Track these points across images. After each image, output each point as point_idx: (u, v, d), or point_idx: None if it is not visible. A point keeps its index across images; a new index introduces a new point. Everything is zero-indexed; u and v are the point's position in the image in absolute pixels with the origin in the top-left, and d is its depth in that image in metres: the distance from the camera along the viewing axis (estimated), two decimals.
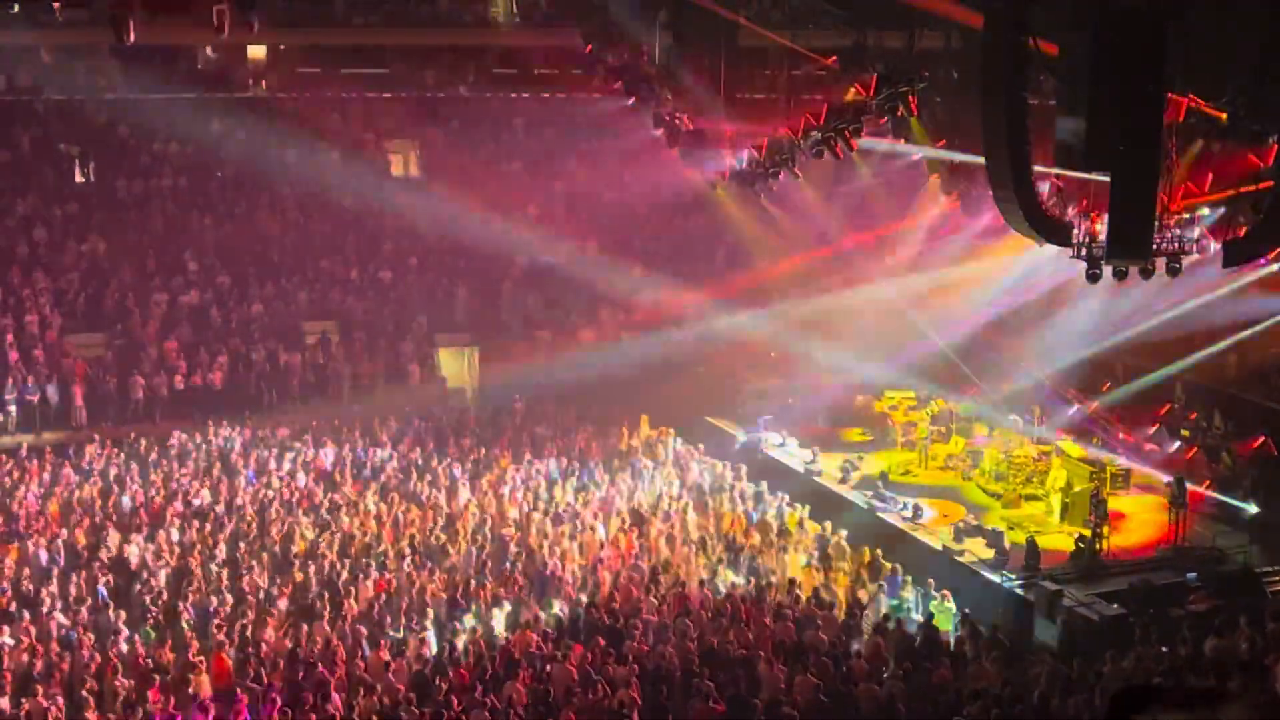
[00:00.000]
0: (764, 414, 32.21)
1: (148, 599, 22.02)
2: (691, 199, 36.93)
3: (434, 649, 20.43)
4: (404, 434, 31.74)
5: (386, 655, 19.77)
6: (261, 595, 22.25)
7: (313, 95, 41.36)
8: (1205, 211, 22.77)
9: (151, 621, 21.19)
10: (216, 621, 21.11)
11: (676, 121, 32.26)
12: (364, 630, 20.84)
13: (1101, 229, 20.27)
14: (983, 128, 20.32)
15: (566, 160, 41.63)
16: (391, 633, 20.88)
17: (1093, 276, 20.72)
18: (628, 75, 33.14)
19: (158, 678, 19.23)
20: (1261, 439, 27.44)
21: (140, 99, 39.55)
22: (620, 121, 35.39)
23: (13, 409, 32.10)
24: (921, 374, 31.79)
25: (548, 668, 19.16)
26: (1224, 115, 22.53)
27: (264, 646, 20.35)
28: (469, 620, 21.37)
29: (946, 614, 21.49)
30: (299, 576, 22.91)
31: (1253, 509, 25.41)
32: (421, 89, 42.46)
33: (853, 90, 26.42)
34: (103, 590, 22.41)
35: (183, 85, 40.68)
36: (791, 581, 22.69)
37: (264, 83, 42.41)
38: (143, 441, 30.21)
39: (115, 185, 39.88)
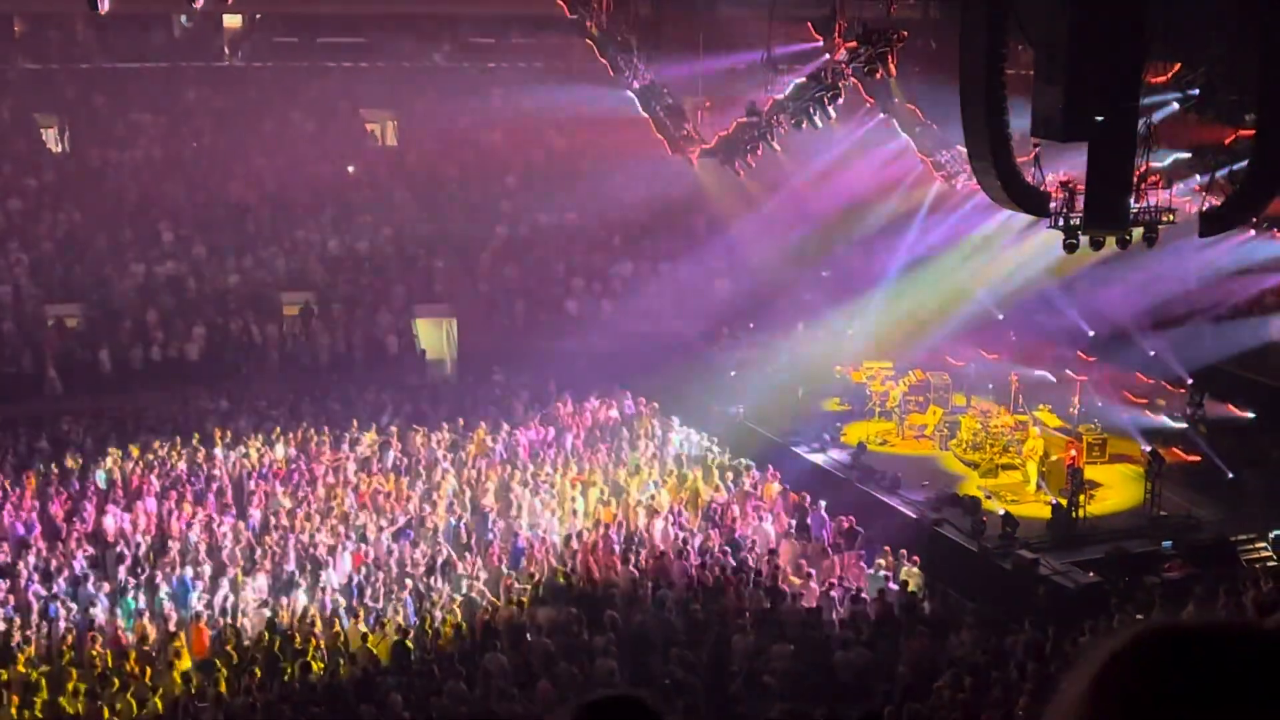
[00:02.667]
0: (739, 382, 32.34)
1: (125, 570, 21.99)
2: (673, 169, 36.83)
3: (412, 620, 20.46)
4: (382, 405, 31.68)
5: (364, 626, 19.80)
6: (240, 566, 22.25)
7: (288, 64, 41.08)
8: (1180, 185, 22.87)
9: (130, 593, 21.16)
10: (195, 593, 21.10)
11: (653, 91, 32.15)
12: (342, 601, 20.87)
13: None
14: (961, 97, 20.31)
15: (546, 130, 41.49)
16: (370, 603, 20.90)
17: (1069, 247, 20.80)
18: (606, 45, 33.00)
19: (136, 649, 19.24)
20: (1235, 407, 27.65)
21: (115, 68, 39.27)
22: (599, 91, 35.27)
23: None
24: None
25: (526, 637, 19.22)
26: (1201, 85, 22.60)
27: (242, 617, 20.36)
28: (447, 591, 21.40)
29: (915, 580, 21.61)
30: (277, 548, 22.89)
31: (1229, 476, 25.60)
32: (399, 58, 42.23)
33: (837, 49, 26.15)
34: (81, 561, 22.37)
35: (158, 55, 40.40)
36: (771, 552, 22.78)
37: (239, 52, 42.15)
38: (119, 412, 30.09)
39: (90, 155, 39.61)
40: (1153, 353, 29.71)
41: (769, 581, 21.33)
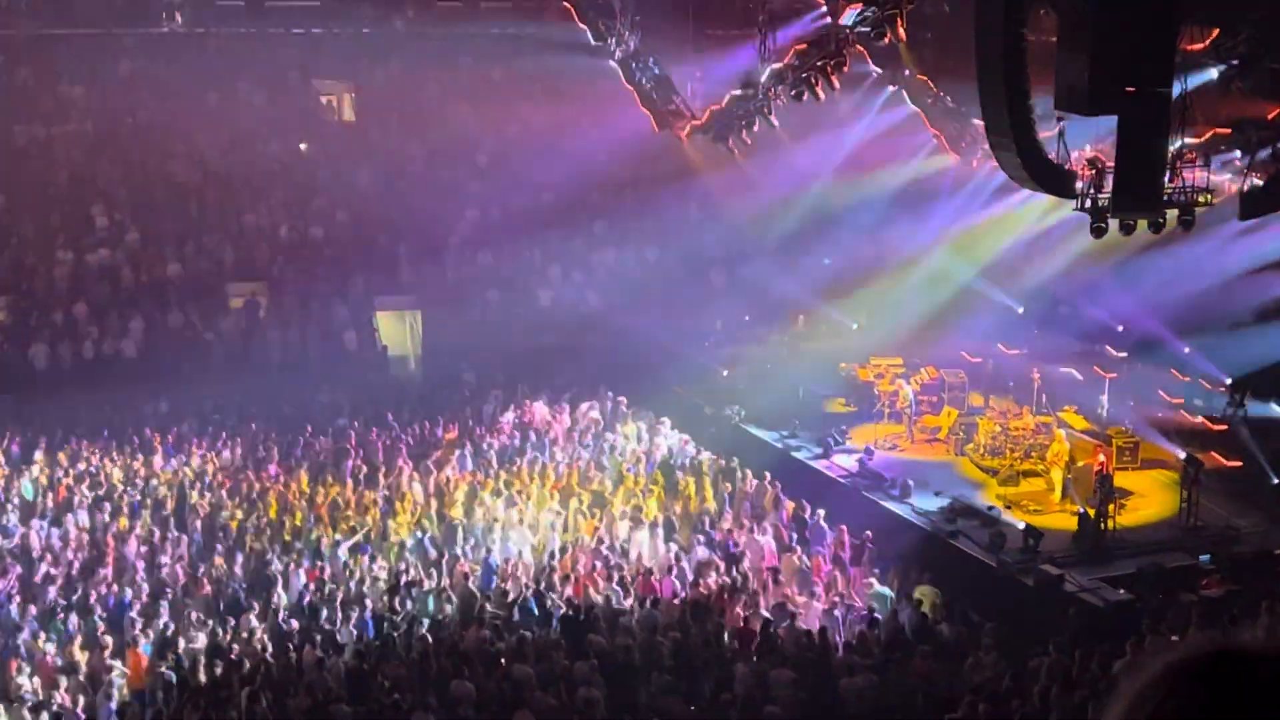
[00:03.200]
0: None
1: (54, 591, 21.86)
2: (659, 146, 36.81)
3: (373, 643, 20.37)
4: (339, 407, 31.58)
5: (319, 652, 19.71)
6: (182, 586, 22.14)
7: (234, 31, 40.94)
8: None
9: (60, 616, 21.03)
10: (132, 615, 20.97)
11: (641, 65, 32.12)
12: (295, 624, 20.78)
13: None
14: (977, 67, 20.29)
15: (520, 103, 41.40)
16: (326, 626, 20.81)
17: (1097, 231, 20.79)
18: (586, 9, 32.98)
19: (66, 678, 19.13)
20: None
21: (41, 35, 39.08)
22: (579, 60, 35.25)
23: None
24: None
25: (500, 663, 19.16)
26: (1242, 53, 22.59)
27: (184, 642, 20.25)
28: (412, 611, 21.32)
29: (927, 598, 21.59)
30: (223, 565, 22.79)
31: (1273, 482, 25.65)
32: (356, 24, 42.10)
33: (841, 11, 26.11)
34: (4, 582, 22.24)
35: (89, 20, 40.21)
36: (774, 570, 22.75)
37: (179, 16, 41.93)
38: (47, 416, 29.93)
39: (14, 132, 39.41)
40: (1187, 349, 29.78)
41: (768, 600, 21.29)
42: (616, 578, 22.28)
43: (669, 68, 32.57)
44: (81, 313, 34.58)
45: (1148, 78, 19.13)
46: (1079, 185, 20.83)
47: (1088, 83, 18.94)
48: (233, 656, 19.61)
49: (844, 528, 24.31)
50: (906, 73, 29.81)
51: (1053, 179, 20.84)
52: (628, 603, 21.47)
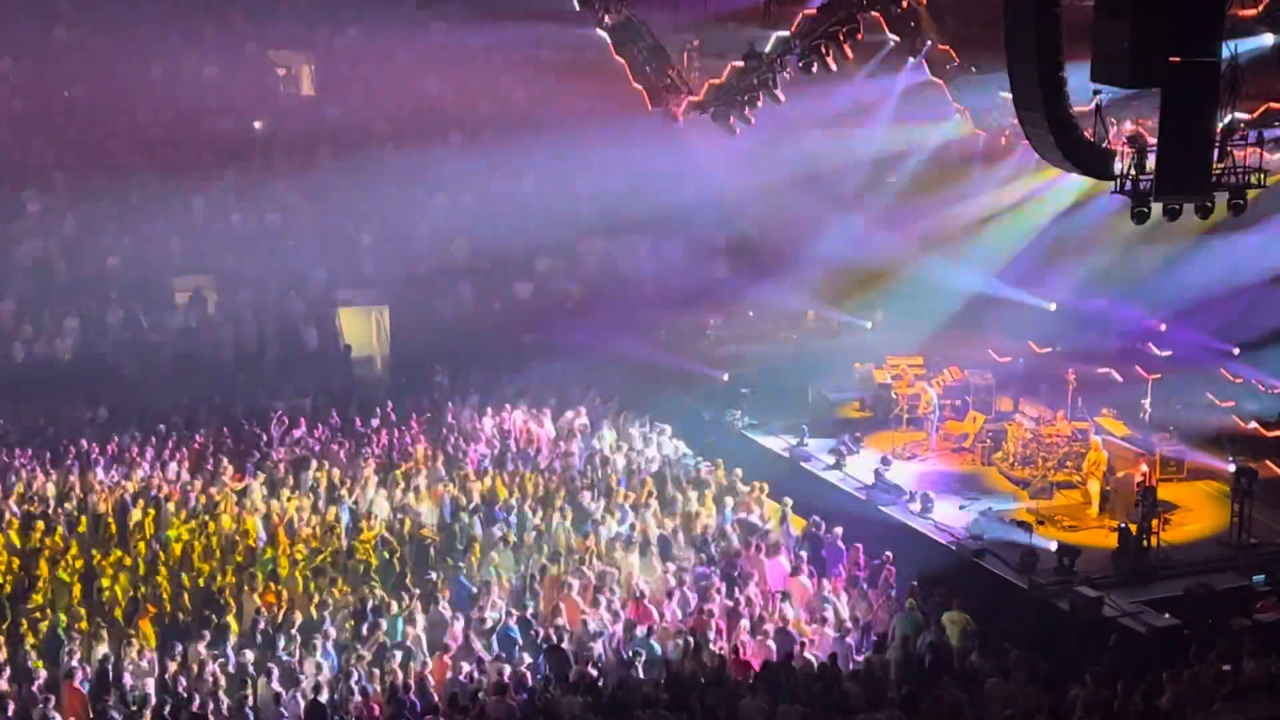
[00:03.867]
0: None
1: None
2: (655, 124, 36.81)
3: (335, 675, 20.34)
4: (298, 413, 31.53)
5: (277, 685, 19.68)
6: (122, 611, 22.08)
7: None
8: None
9: None
10: (68, 646, 20.93)
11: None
12: (249, 654, 20.74)
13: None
14: (1005, 34, 20.28)
15: (498, 75, 41.37)
16: (284, 657, 20.77)
17: (1139, 216, 20.76)
18: None
19: None
20: None
21: None
22: (563, 27, 35.21)
23: None
24: None
25: (478, 698, 19.13)
26: None
27: (126, 675, 20.21)
28: (380, 640, 21.28)
29: (957, 625, 21.58)
30: (169, 588, 22.74)
31: None
32: None
33: None
34: None
35: None
36: (784, 594, 22.74)
37: None
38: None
39: None
40: (1236, 350, 29.87)
41: (775, 627, 21.29)
42: (606, 602, 22.26)
43: (663, 36, 32.47)
44: (8, 310, 34.50)
45: (1194, 46, 19.10)
46: (1118, 166, 20.81)
47: (1128, 52, 18.91)
48: (181, 691, 19.57)
49: (859, 546, 24.32)
50: (928, 42, 29.73)
51: (1089, 159, 20.80)
52: (618, 629, 21.45)
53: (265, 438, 29.87)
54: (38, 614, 21.94)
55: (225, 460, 28.52)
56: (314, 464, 28.34)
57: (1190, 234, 28.61)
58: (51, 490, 26.95)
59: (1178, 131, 19.53)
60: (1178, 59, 18.96)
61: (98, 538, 25.03)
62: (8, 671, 20.35)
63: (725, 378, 33.13)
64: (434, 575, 23.62)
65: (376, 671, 20.28)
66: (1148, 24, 18.73)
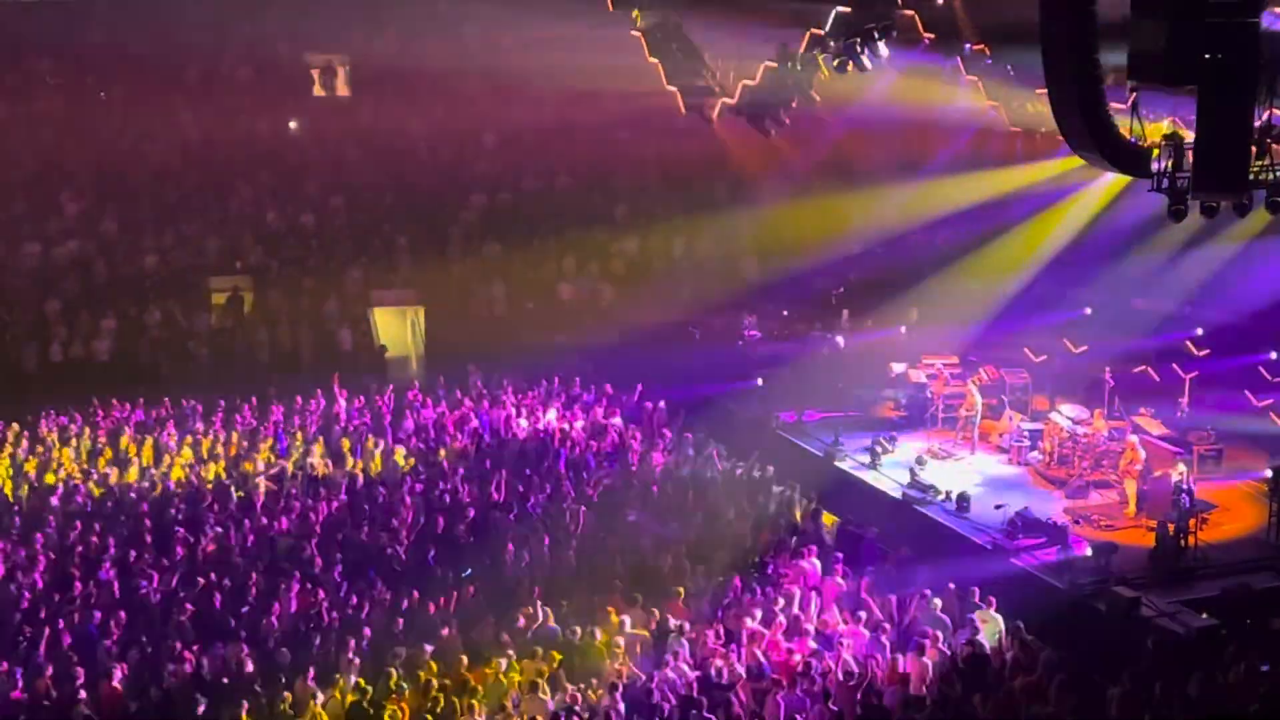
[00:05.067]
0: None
1: (19, 616, 21.90)
2: (685, 122, 36.86)
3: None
4: (333, 416, 31.59)
5: (314, 684, 19.71)
6: (160, 610, 22.16)
7: None
8: None
9: (24, 643, 21.07)
10: (106, 642, 21.01)
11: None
12: (286, 653, 20.77)
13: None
14: (1040, 29, 20.20)
15: (531, 78, 41.44)
16: (321, 656, 20.80)
17: (1176, 214, 20.66)
18: None
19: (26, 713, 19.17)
20: None
21: (4, 2, 39.26)
22: (599, 29, 35.22)
23: None
24: None
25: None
26: None
27: (164, 673, 20.27)
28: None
29: (992, 625, 21.52)
30: (206, 586, 22.79)
31: None
32: None
33: None
34: None
35: None
36: (816, 592, 22.70)
37: None
38: (12, 425, 30.04)
39: None
40: (1274, 355, 29.74)
41: (810, 627, 21.31)
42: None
43: (695, 35, 32.39)
44: (51, 310, 34.68)
45: (1231, 43, 18.98)
46: (1155, 164, 20.70)
47: (1165, 48, 18.82)
48: (219, 687, 19.62)
49: (897, 546, 24.30)
50: (965, 43, 29.62)
51: (1125, 156, 20.69)
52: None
53: (300, 436, 29.92)
54: (76, 611, 21.98)
55: (263, 458, 28.62)
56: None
57: (1235, 240, 28.79)
58: (91, 489, 26.92)
59: (1215, 129, 19.42)
60: (1215, 56, 18.86)
61: (135, 535, 25.02)
62: (50, 668, 20.41)
63: (759, 382, 33.02)
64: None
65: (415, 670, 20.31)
66: (1184, 20, 18.63)
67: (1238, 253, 30.30)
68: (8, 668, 20.25)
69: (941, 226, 35.82)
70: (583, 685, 19.66)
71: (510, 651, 20.52)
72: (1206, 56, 18.83)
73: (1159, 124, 22.32)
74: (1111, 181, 30.14)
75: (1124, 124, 20.57)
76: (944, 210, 35.44)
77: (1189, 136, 20.23)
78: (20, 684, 19.95)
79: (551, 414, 31.19)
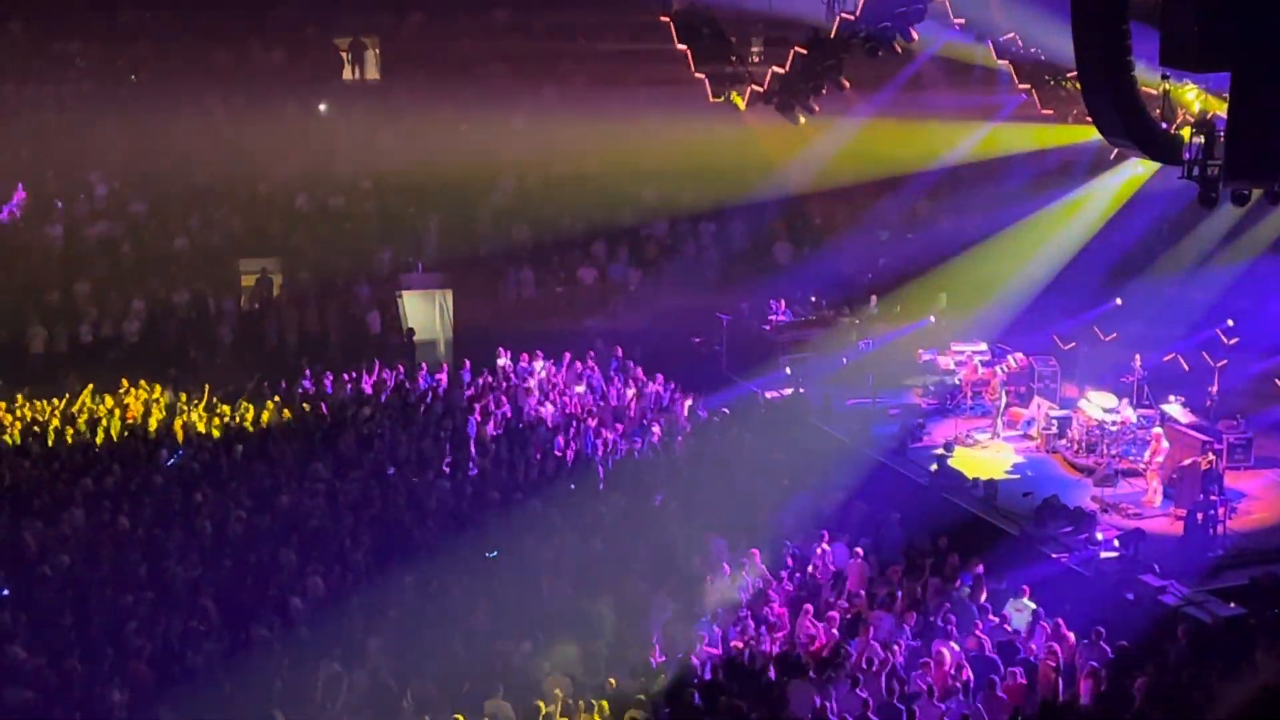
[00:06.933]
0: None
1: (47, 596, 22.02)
2: (715, 108, 36.82)
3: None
4: (361, 398, 31.70)
5: (338, 666, 19.77)
6: (186, 592, 22.25)
7: None
8: None
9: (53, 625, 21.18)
10: (134, 624, 21.11)
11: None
12: (305, 631, 20.81)
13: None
14: (1071, 14, 20.12)
15: (560, 60, 41.42)
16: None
17: (1207, 201, 20.57)
18: None
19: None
20: None
21: None
22: (628, 15, 35.23)
23: None
24: None
25: None
26: None
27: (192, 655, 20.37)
28: None
29: (1024, 616, 21.51)
30: (231, 568, 22.90)
31: None
32: None
33: None
34: None
35: None
36: (840, 576, 22.73)
37: None
38: (43, 406, 30.19)
39: (4, 92, 39.76)
40: None
41: (838, 612, 21.33)
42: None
43: (725, 19, 32.30)
44: (80, 292, 34.83)
45: (1265, 27, 18.87)
46: (1186, 151, 20.60)
47: (1196, 35, 18.71)
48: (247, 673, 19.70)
49: (924, 533, 24.30)
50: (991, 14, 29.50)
51: (1156, 143, 20.60)
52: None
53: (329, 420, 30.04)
54: (103, 591, 22.07)
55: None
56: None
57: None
58: (118, 470, 27.02)
59: (1248, 115, 19.31)
60: (1248, 40, 18.75)
61: (162, 515, 25.08)
62: (77, 649, 20.52)
63: (788, 370, 33.01)
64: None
65: None
66: (1216, 5, 18.53)
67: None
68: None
69: (972, 213, 35.71)
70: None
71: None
72: (1240, 41, 18.74)
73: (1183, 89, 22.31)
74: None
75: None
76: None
77: (1220, 110, 20.15)
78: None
79: (579, 391, 31.29)
